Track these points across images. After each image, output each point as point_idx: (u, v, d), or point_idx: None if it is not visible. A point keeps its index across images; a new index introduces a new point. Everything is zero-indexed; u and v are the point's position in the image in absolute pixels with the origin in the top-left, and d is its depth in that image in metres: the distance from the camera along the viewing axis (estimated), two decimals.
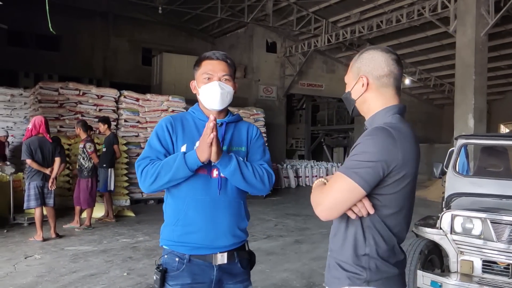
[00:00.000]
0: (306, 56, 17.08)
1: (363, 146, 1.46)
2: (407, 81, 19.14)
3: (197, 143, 1.77)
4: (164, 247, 1.88)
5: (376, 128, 1.49)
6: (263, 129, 13.05)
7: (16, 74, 17.05)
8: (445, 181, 4.26)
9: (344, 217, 1.52)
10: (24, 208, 6.19)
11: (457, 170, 4.51)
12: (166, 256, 1.84)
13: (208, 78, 1.88)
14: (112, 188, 7.77)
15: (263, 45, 17.53)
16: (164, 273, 1.80)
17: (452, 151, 4.35)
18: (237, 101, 15.50)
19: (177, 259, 1.81)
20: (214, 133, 1.67)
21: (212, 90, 1.85)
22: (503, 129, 19.46)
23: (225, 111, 1.95)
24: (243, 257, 1.91)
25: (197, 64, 1.94)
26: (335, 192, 1.45)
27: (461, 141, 4.29)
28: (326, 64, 18.60)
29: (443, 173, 4.34)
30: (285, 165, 15.40)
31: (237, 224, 1.87)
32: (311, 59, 17.68)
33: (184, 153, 1.77)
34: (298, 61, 17.41)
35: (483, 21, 10.37)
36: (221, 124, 1.90)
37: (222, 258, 1.83)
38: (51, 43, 16.96)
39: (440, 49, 15.89)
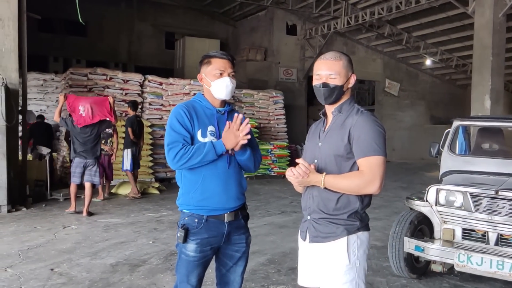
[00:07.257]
0: (326, 38, 17.20)
1: (378, 129, 2.01)
2: (428, 62, 19.03)
3: (223, 133, 2.21)
4: (184, 210, 2.28)
5: (370, 113, 2.07)
6: (282, 111, 13.41)
7: (46, 59, 17.86)
8: (440, 160, 4.62)
9: None
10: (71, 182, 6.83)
11: (456, 150, 4.86)
12: (186, 218, 2.27)
13: (221, 74, 2.30)
14: (127, 168, 8.27)
15: (283, 27, 17.72)
16: (187, 231, 2.24)
17: (448, 132, 4.68)
18: (257, 83, 15.86)
19: (196, 220, 2.24)
20: (247, 130, 2.17)
21: (226, 84, 2.30)
22: None
23: (224, 101, 2.38)
24: (244, 214, 2.40)
25: (207, 61, 2.34)
26: (381, 169, 1.96)
27: (456, 123, 4.62)
28: (346, 46, 18.65)
29: (440, 153, 4.68)
30: (304, 145, 15.74)
31: (241, 190, 2.35)
32: (331, 41, 17.79)
33: (212, 142, 2.19)
34: (318, 43, 17.55)
35: (502, 2, 10.35)
36: (224, 112, 2.35)
37: (230, 216, 2.29)
38: (79, 29, 17.56)
39: (462, 29, 15.71)
